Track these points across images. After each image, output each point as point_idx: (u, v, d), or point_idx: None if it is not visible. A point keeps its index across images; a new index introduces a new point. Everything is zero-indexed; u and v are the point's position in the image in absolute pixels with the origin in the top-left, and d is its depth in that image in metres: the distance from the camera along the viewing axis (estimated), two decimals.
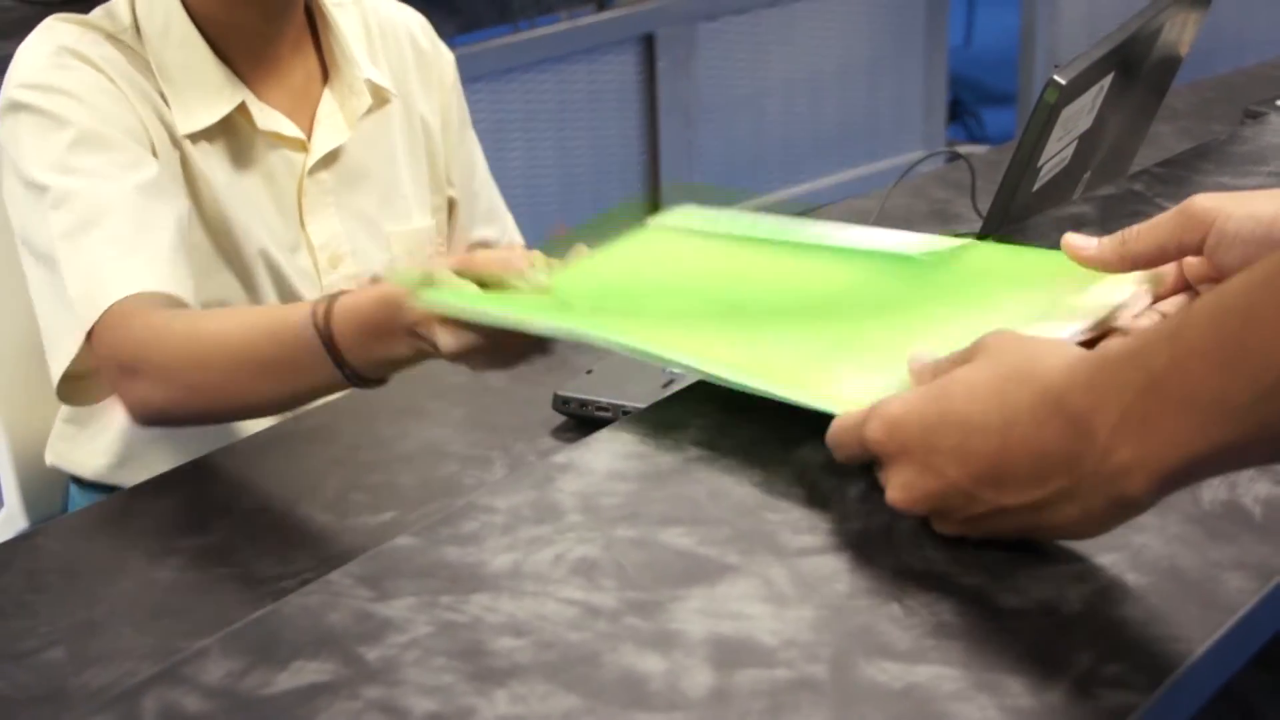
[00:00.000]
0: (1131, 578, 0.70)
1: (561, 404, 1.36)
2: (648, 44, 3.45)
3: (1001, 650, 0.66)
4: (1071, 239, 0.93)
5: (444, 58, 1.64)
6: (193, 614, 1.14)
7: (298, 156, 1.49)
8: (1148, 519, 0.75)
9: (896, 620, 0.68)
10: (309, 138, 1.50)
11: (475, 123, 1.70)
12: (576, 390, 1.36)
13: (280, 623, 0.70)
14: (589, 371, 1.39)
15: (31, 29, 1.46)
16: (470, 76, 1.82)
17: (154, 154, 1.40)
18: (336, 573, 0.73)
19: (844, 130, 3.85)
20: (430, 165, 1.62)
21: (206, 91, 1.43)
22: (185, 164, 1.43)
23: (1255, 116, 1.86)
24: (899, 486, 0.73)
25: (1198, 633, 0.67)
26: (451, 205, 1.66)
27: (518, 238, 1.74)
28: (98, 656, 1.09)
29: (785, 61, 3.69)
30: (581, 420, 1.35)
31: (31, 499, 1.54)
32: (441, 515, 0.78)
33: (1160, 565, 0.71)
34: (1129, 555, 0.72)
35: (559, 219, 3.32)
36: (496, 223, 1.71)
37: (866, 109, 3.87)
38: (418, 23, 1.63)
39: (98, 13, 1.45)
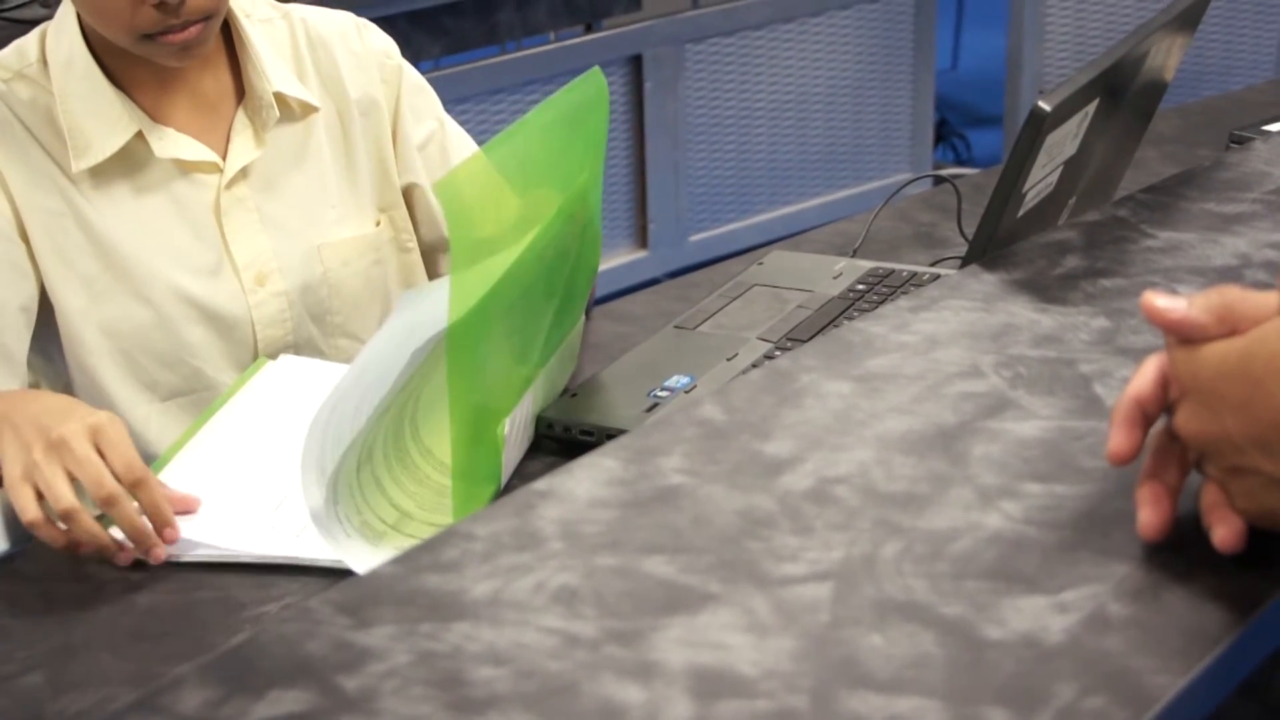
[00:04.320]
0: (1114, 608, 0.70)
1: (545, 427, 1.35)
2: (635, 65, 3.46)
3: (983, 682, 0.65)
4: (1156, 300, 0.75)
5: (377, 50, 1.60)
6: (172, 638, 1.13)
7: (210, 178, 1.49)
8: (1130, 548, 0.74)
9: (878, 651, 0.68)
10: (224, 157, 1.49)
11: None
12: (559, 413, 1.35)
13: (257, 651, 0.70)
14: (572, 394, 1.39)
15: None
16: (457, 97, 1.81)
17: (14, 218, 1.42)
18: (315, 600, 0.73)
19: (831, 152, 3.85)
20: (378, 166, 1.59)
21: (103, 122, 1.44)
22: (74, 205, 1.44)
23: (1241, 142, 1.87)
24: (1184, 416, 0.75)
25: (1182, 664, 0.66)
26: (409, 193, 1.62)
27: None
28: (76, 681, 1.09)
29: (772, 83, 3.69)
30: (565, 443, 1.34)
31: (12, 521, 1.53)
32: (421, 542, 0.77)
33: (1143, 595, 0.71)
34: (1112, 586, 0.71)
35: None
36: None
37: (853, 131, 3.87)
38: (351, 25, 1.60)
39: (10, 50, 1.46)
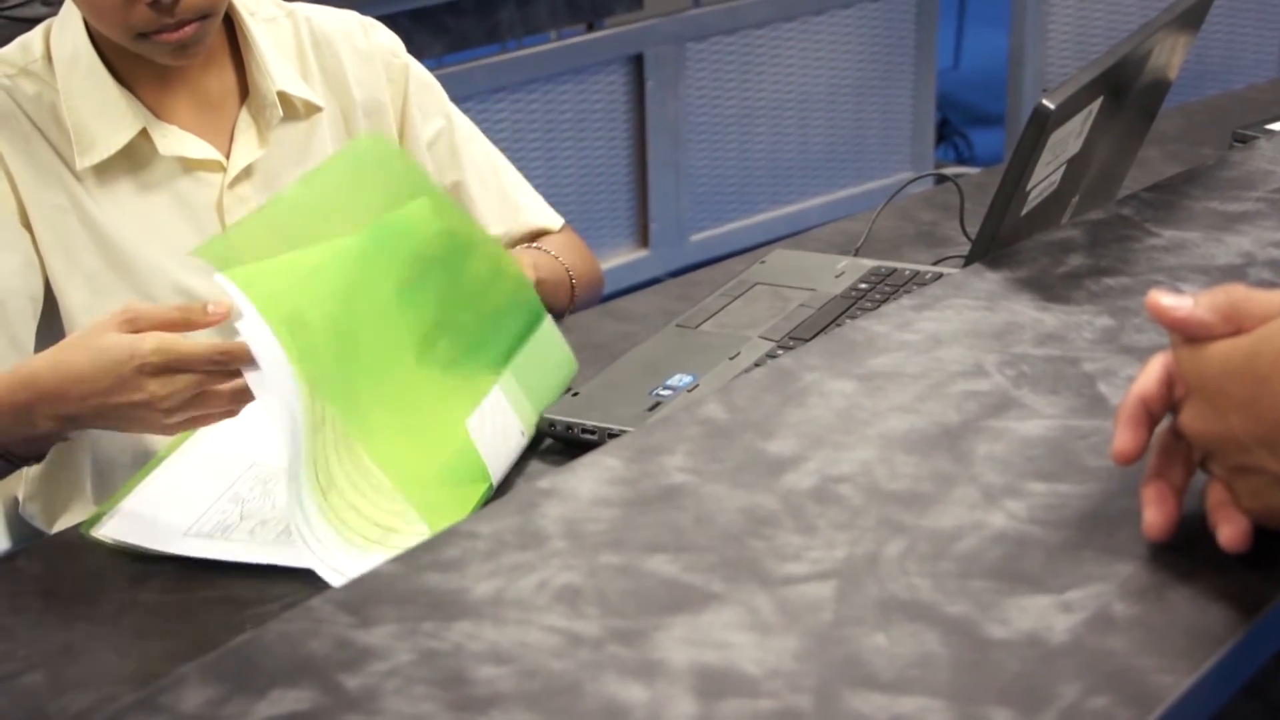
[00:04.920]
0: (1119, 608, 0.70)
1: (547, 426, 1.35)
2: (636, 64, 3.46)
3: (987, 681, 0.65)
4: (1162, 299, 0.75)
5: (383, 49, 1.59)
6: (173, 638, 1.13)
7: (214, 176, 1.48)
8: (1135, 547, 0.74)
9: (881, 650, 0.67)
10: (228, 155, 1.49)
11: None
12: (562, 413, 1.35)
13: (259, 650, 0.69)
14: (575, 394, 1.38)
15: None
16: (459, 96, 1.81)
17: (19, 211, 1.42)
18: (317, 599, 0.72)
19: (832, 151, 3.85)
20: None
21: (108, 120, 1.43)
22: (78, 202, 1.44)
23: (1244, 141, 1.86)
24: (1189, 415, 0.75)
25: (1186, 664, 0.66)
26: None
27: (543, 220, 1.71)
28: (77, 681, 1.08)
29: (774, 82, 3.69)
30: (567, 443, 1.34)
31: (13, 519, 1.53)
32: (423, 541, 0.77)
33: (1148, 595, 0.71)
34: (1116, 585, 0.71)
35: None
36: (506, 216, 1.67)
37: (855, 130, 3.87)
38: (356, 24, 1.59)
39: (15, 45, 1.46)
